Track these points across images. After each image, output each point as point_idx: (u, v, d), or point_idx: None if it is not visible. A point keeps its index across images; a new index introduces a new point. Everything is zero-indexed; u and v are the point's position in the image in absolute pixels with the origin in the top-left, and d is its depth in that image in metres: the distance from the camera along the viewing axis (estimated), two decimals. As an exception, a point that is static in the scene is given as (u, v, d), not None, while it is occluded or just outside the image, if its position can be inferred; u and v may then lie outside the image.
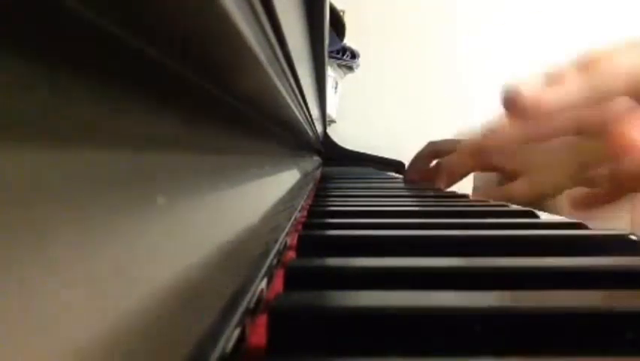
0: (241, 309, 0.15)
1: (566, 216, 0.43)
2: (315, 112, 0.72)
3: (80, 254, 0.08)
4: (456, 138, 0.70)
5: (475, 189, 0.74)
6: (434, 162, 0.72)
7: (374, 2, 1.84)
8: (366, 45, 1.63)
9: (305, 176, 0.63)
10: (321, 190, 0.61)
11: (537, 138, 0.50)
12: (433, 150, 0.73)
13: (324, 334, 0.15)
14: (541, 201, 0.55)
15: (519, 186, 0.56)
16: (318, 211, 0.41)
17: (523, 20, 1.84)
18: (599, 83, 0.44)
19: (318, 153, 1.37)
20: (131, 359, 0.08)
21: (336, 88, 1.53)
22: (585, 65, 0.45)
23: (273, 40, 0.21)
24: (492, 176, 0.67)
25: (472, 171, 0.66)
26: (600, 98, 0.43)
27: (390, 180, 0.87)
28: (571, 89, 0.45)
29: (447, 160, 0.66)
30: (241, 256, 0.17)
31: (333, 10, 1.14)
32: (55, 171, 0.09)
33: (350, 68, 1.57)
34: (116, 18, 0.11)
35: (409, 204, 0.49)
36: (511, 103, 0.47)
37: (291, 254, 0.26)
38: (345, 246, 0.27)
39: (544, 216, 0.40)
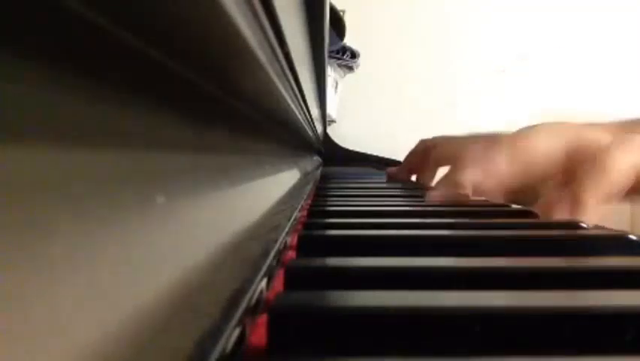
0: (241, 309, 0.15)
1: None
2: (315, 112, 0.72)
3: (80, 254, 0.08)
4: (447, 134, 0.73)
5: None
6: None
7: (374, 2, 1.84)
8: (366, 45, 1.62)
9: (305, 176, 0.63)
10: (321, 190, 0.61)
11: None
12: (426, 148, 0.75)
13: (324, 334, 0.15)
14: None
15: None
16: (318, 211, 0.41)
17: (523, 20, 1.84)
18: (524, 161, 0.56)
19: (318, 152, 1.37)
20: (131, 359, 0.08)
21: (336, 88, 1.53)
22: (513, 142, 0.57)
23: (273, 40, 0.21)
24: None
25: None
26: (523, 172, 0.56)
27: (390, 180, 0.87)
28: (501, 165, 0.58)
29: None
30: (241, 256, 0.17)
31: (333, 10, 1.14)
32: (55, 170, 0.09)
33: (350, 68, 1.56)
34: (116, 18, 0.11)
35: (409, 204, 0.49)
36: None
37: (291, 254, 0.26)
38: (345, 246, 0.27)
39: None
